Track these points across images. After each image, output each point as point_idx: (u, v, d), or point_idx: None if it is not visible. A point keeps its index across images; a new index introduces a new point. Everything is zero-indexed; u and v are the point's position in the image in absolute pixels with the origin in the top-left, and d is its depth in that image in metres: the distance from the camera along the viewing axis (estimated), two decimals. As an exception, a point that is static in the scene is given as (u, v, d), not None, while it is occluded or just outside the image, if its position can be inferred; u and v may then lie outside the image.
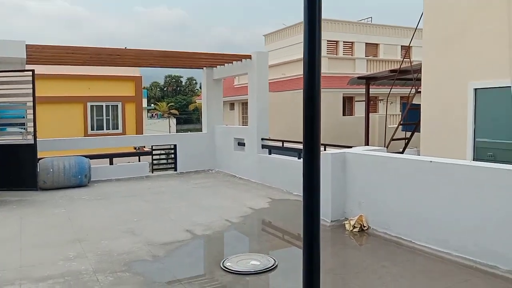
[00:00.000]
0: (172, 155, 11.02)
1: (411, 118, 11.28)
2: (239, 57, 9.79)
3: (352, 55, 25.59)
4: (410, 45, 12.84)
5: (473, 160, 7.56)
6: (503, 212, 4.17)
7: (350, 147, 6.78)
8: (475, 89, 7.67)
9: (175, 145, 10.96)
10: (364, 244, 5.40)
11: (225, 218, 6.52)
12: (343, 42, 25.28)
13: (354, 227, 5.72)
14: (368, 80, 14.70)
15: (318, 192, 1.69)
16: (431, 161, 4.94)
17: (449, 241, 4.66)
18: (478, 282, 4.06)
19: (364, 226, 5.71)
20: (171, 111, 53.51)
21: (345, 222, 5.91)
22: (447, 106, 8.26)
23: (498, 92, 7.33)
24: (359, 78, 15.14)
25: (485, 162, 5.09)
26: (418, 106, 9.35)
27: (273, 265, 4.52)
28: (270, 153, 9.27)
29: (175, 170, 10.92)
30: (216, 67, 11.10)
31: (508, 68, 6.95)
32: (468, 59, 7.82)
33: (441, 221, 4.76)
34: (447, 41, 8.27)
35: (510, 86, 6.96)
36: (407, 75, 12.08)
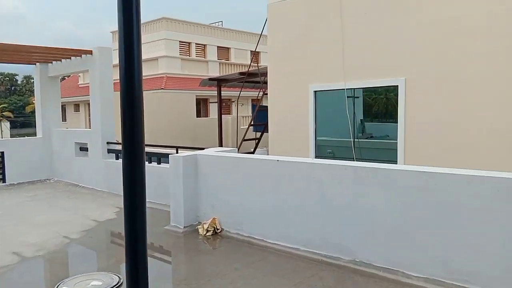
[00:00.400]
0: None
1: (261, 119, 11.73)
2: (78, 52, 8.82)
3: (204, 58, 25.79)
4: (260, 50, 13.39)
5: (315, 157, 8.11)
6: (342, 205, 4.43)
7: (202, 148, 6.61)
8: (315, 91, 8.26)
9: (2, 153, 9.38)
10: (218, 248, 5.26)
11: (64, 234, 5.72)
12: (196, 44, 25.32)
13: (207, 231, 5.54)
14: (219, 82, 14.88)
15: (142, 197, 1.50)
16: (278, 160, 5.03)
17: (297, 237, 4.80)
18: (324, 274, 4.23)
19: (218, 229, 5.58)
20: (3, 113, 46.80)
21: (199, 226, 5.71)
22: (291, 107, 8.73)
23: (334, 94, 8.01)
24: (210, 79, 15.23)
25: (324, 159, 5.40)
26: (266, 108, 9.71)
27: (118, 283, 4.03)
28: (117, 158, 8.56)
29: (4, 181, 9.37)
30: (51, 63, 9.85)
31: (342, 72, 7.64)
32: (308, 63, 8.38)
33: (288, 218, 4.88)
34: (290, 46, 8.74)
35: (344, 89, 7.66)
36: (256, 78, 12.53)
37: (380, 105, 9.24)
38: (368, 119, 10.55)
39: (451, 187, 3.73)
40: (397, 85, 7.17)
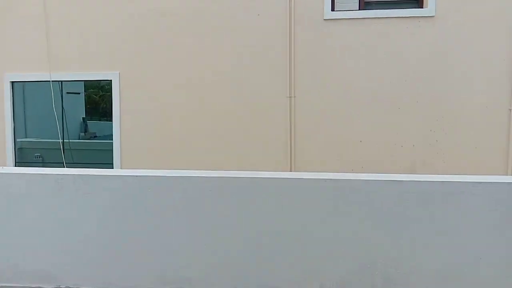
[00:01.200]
0: None
1: None
2: None
3: None
4: None
5: (16, 164, 6.73)
6: (39, 222, 3.61)
7: None
8: (13, 82, 6.80)
9: None
10: None
11: None
12: None
13: None
14: None
15: None
16: None
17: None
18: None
19: None
20: None
21: None
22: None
23: (39, 86, 6.86)
24: None
25: (22, 167, 4.42)
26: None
27: None
28: None
29: None
30: None
31: (47, 60, 6.57)
32: (4, 46, 6.84)
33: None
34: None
35: (50, 81, 6.62)
36: None
37: (107, 102, 8.64)
38: (95, 118, 9.86)
39: (162, 189, 3.49)
40: (111, 80, 6.61)
